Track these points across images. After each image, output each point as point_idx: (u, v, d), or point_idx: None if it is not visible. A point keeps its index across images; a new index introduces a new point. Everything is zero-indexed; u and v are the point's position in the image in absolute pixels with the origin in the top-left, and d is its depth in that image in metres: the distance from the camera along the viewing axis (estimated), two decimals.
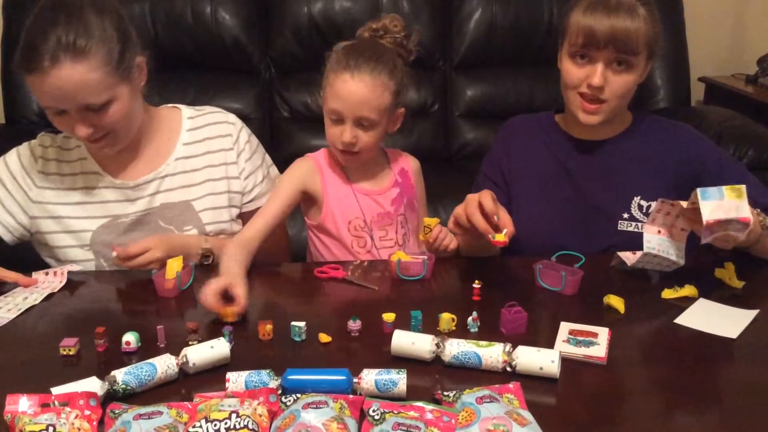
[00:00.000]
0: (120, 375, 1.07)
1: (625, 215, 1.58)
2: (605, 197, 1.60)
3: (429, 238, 1.50)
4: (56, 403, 1.00)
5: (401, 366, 1.09)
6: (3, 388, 1.03)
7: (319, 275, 1.48)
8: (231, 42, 3.02)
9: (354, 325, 1.23)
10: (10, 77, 2.89)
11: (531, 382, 1.09)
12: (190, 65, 3.05)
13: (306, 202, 1.64)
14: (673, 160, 1.60)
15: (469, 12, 3.11)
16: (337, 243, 1.63)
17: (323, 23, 3.03)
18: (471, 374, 1.12)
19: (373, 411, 0.98)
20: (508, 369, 1.11)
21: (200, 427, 0.94)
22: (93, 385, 1.04)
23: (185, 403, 1.03)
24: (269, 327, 1.23)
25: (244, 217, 1.66)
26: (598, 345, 1.18)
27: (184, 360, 1.11)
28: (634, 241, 1.48)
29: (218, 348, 1.14)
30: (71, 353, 1.17)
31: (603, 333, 1.21)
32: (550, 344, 1.18)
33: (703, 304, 1.34)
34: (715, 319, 1.28)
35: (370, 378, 1.05)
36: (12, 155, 1.58)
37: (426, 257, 1.47)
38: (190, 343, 1.18)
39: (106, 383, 1.05)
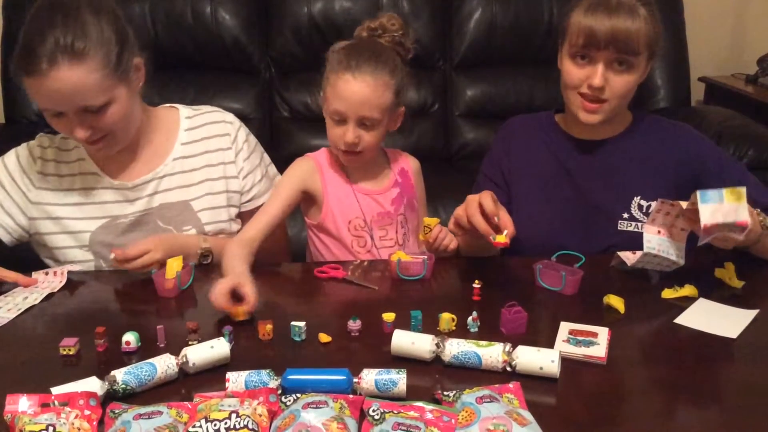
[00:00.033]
0: (120, 375, 1.07)
1: (625, 215, 1.58)
2: (605, 197, 1.60)
3: (429, 238, 1.50)
4: (56, 403, 1.00)
5: (401, 366, 1.09)
6: (3, 388, 1.03)
7: (319, 275, 1.48)
8: (231, 42, 3.02)
9: (354, 325, 1.23)
10: (10, 77, 2.89)
11: (531, 382, 1.09)
12: (190, 65, 3.05)
13: (306, 201, 1.64)
14: (673, 160, 1.60)
15: (469, 12, 3.11)
16: (337, 243, 1.63)
17: (323, 23, 3.03)
18: (471, 374, 1.12)
19: (373, 411, 0.98)
20: (508, 369, 1.11)
21: (200, 427, 0.94)
22: (93, 385, 1.04)
23: (185, 403, 1.02)
24: (269, 327, 1.23)
25: (243, 217, 1.66)
26: (598, 345, 1.18)
27: (184, 360, 1.11)
28: (634, 241, 1.48)
29: (218, 348, 1.14)
30: (71, 353, 1.17)
31: (603, 333, 1.21)
32: (550, 344, 1.18)
33: (703, 304, 1.34)
34: (715, 319, 1.28)
35: (370, 378, 1.05)
36: (10, 156, 1.58)
37: (426, 257, 1.47)
38: (190, 343, 1.18)
39: (106, 383, 1.05)
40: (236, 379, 1.06)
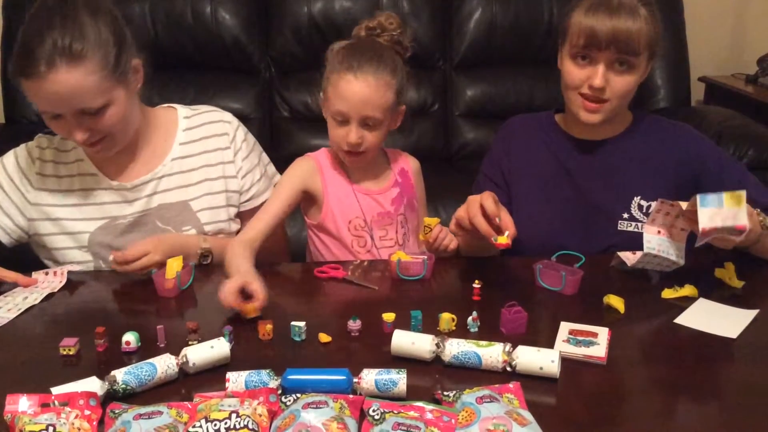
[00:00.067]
0: (120, 375, 1.06)
1: (625, 215, 1.58)
2: (605, 197, 1.60)
3: (429, 238, 1.50)
4: (56, 403, 1.00)
5: (401, 366, 1.09)
6: (3, 388, 1.03)
7: (319, 275, 1.48)
8: (231, 42, 3.02)
9: (354, 325, 1.23)
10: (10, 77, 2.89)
11: (531, 382, 1.09)
12: (190, 65, 3.05)
13: (306, 201, 1.64)
14: (673, 159, 1.60)
15: (469, 12, 3.11)
16: (337, 242, 1.63)
17: (323, 23, 3.03)
18: (471, 374, 1.11)
19: (373, 411, 0.98)
20: (508, 369, 1.11)
21: (200, 427, 0.94)
22: (93, 385, 1.04)
23: (185, 402, 1.02)
24: (269, 327, 1.23)
25: (243, 216, 1.66)
26: (598, 345, 1.18)
27: (184, 360, 1.11)
28: (634, 241, 1.48)
29: (218, 348, 1.14)
30: (71, 353, 1.17)
31: (603, 333, 1.21)
32: (550, 344, 1.18)
33: (703, 303, 1.34)
34: (715, 318, 1.28)
35: (370, 378, 1.05)
36: (9, 157, 1.58)
37: (426, 257, 1.47)
38: (190, 343, 1.18)
39: (106, 383, 1.05)
40: (236, 379, 1.06)
